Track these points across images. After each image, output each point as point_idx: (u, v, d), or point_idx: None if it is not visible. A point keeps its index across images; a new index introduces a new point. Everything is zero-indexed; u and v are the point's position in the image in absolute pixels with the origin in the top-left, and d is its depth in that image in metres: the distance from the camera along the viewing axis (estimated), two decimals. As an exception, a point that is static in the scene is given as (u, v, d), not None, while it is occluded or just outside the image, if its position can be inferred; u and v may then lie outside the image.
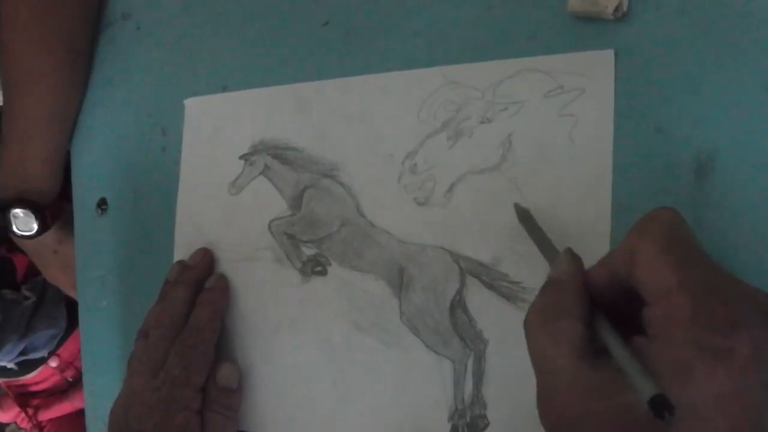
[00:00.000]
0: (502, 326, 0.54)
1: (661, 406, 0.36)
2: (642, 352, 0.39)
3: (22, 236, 0.81)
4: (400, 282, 0.58)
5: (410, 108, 0.59)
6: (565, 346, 0.41)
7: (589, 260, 0.47)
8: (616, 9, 0.52)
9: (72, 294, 0.83)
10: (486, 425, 0.53)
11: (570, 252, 0.47)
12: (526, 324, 0.44)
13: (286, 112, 0.65)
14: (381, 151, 0.60)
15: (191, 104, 0.71)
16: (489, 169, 0.55)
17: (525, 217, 0.53)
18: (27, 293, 1.15)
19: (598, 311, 0.43)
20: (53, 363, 1.26)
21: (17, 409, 1.31)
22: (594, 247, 0.51)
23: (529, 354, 0.43)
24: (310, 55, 0.65)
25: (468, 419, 0.54)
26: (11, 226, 0.80)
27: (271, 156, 0.65)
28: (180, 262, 0.67)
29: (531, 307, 0.45)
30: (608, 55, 0.53)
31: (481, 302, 0.55)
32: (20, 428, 1.32)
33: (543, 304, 0.45)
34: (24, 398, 1.32)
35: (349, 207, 0.61)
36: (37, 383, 1.30)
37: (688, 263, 0.39)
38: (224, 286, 0.65)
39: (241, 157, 0.66)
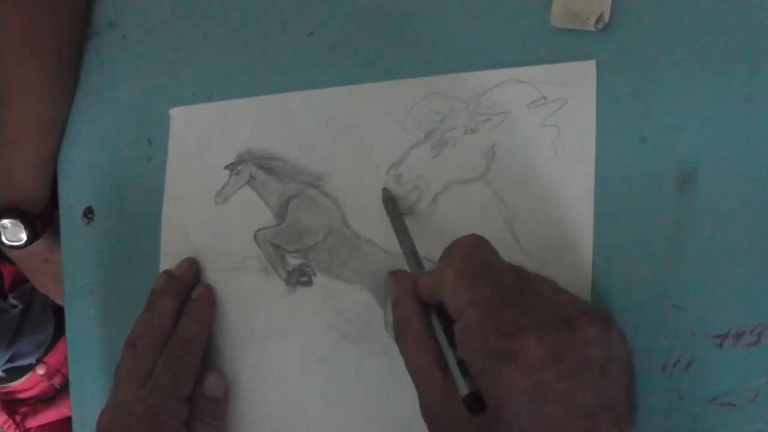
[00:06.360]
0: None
1: (472, 402, 0.43)
2: None
3: (11, 247, 0.80)
4: (385, 292, 0.58)
5: (395, 118, 0.59)
6: (420, 354, 0.49)
7: (572, 270, 0.47)
8: (598, 20, 0.52)
9: (62, 302, 0.83)
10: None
11: (392, 273, 0.55)
12: (396, 340, 0.51)
13: (272, 122, 0.65)
14: (366, 161, 0.60)
15: (177, 114, 0.71)
16: (473, 179, 0.56)
17: (389, 202, 0.58)
18: (14, 301, 1.15)
19: (434, 318, 0.49)
20: (40, 370, 1.26)
21: (4, 416, 1.30)
22: (577, 257, 0.51)
23: (404, 364, 0.50)
24: (295, 65, 0.66)
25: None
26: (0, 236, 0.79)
27: (256, 166, 0.65)
28: (167, 272, 0.67)
29: (392, 326, 0.52)
30: (590, 65, 0.53)
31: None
32: (8, 435, 1.32)
33: (396, 321, 0.52)
34: (11, 405, 1.31)
35: (335, 217, 0.61)
36: (24, 390, 1.29)
37: (479, 283, 0.45)
38: (211, 296, 0.65)
39: (226, 167, 0.67)
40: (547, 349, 0.41)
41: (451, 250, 0.48)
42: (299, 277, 0.62)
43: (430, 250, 0.55)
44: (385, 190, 0.59)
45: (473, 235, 0.48)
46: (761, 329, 0.46)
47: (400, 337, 0.51)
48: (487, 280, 0.45)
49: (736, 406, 0.47)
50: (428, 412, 0.48)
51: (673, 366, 0.49)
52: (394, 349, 0.52)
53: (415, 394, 0.49)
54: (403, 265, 0.56)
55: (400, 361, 0.50)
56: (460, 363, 0.45)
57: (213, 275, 0.66)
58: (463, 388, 0.44)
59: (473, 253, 0.47)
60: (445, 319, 0.48)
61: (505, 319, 0.43)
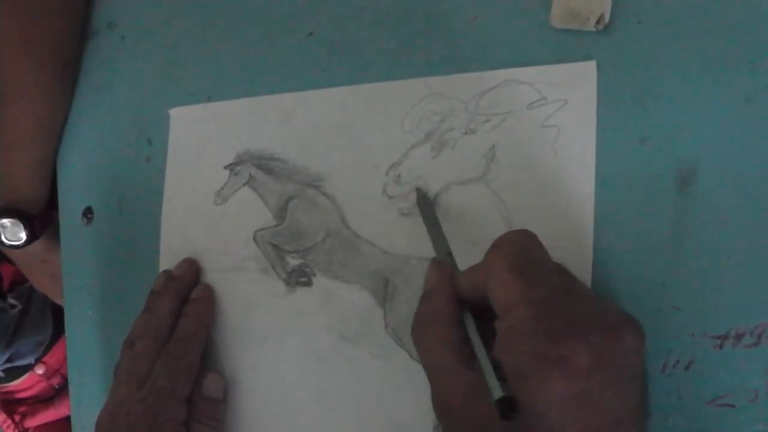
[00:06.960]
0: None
1: (506, 406, 0.41)
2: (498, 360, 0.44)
3: (10, 246, 0.80)
4: (384, 293, 0.58)
5: (394, 119, 0.59)
6: (444, 349, 0.47)
7: (572, 270, 0.47)
8: (598, 21, 0.52)
9: (61, 302, 0.83)
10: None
11: (437, 262, 0.53)
12: (413, 331, 0.50)
13: (271, 122, 0.65)
14: (365, 161, 0.60)
15: (176, 114, 0.71)
16: (472, 180, 0.56)
17: (424, 203, 0.56)
18: (13, 301, 1.15)
19: (468, 317, 0.48)
20: (39, 370, 1.26)
21: (3, 416, 1.31)
22: (577, 258, 0.51)
23: (419, 358, 0.49)
24: (294, 65, 0.66)
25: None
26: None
27: (255, 166, 0.65)
28: (166, 272, 0.67)
29: (415, 316, 0.50)
30: (591, 66, 0.53)
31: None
32: (7, 435, 1.32)
33: (422, 312, 0.50)
34: (10, 405, 1.31)
35: (334, 218, 0.61)
36: (23, 390, 1.29)
37: (532, 282, 0.43)
38: (210, 297, 0.65)
39: (226, 167, 0.66)
40: (594, 356, 0.40)
41: (501, 245, 0.46)
42: (298, 278, 0.62)
43: (430, 251, 0.55)
44: (418, 189, 0.57)
45: (523, 231, 0.47)
46: (761, 330, 0.46)
47: (422, 328, 0.49)
48: (539, 279, 0.44)
49: (736, 407, 0.47)
50: (447, 410, 0.47)
51: (673, 367, 0.48)
52: (394, 349, 0.52)
53: (415, 395, 0.49)
54: (404, 265, 0.56)
55: (400, 362, 0.50)
56: (496, 366, 0.43)
57: (212, 276, 0.66)
58: (498, 391, 0.42)
59: (526, 249, 0.46)
60: (478, 320, 0.47)
61: (556, 323, 0.42)
